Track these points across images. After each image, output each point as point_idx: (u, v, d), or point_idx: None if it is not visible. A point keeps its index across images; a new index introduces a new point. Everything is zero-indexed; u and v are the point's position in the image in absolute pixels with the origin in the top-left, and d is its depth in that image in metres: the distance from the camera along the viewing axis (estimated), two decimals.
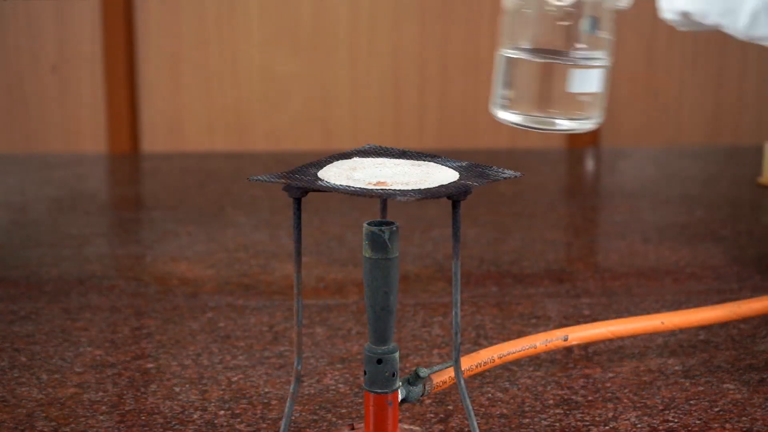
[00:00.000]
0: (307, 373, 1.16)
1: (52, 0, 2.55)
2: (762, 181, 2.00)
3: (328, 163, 0.98)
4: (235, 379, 1.15)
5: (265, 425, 1.04)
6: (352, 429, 0.98)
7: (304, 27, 2.61)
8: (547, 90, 0.90)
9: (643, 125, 2.68)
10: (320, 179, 0.94)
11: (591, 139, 2.68)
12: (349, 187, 0.91)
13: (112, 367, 1.18)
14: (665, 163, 2.27)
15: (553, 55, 0.90)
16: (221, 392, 1.11)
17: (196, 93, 2.62)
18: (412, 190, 0.90)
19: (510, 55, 0.92)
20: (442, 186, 0.92)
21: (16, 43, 2.57)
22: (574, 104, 0.90)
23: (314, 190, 0.92)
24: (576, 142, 2.66)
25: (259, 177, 0.94)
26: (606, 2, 0.90)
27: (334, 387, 1.13)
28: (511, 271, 1.52)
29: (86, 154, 2.52)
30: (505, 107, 0.92)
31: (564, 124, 0.91)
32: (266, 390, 1.12)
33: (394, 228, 0.91)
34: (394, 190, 0.90)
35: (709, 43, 2.64)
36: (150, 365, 1.19)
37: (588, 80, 0.90)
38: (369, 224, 0.90)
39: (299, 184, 0.92)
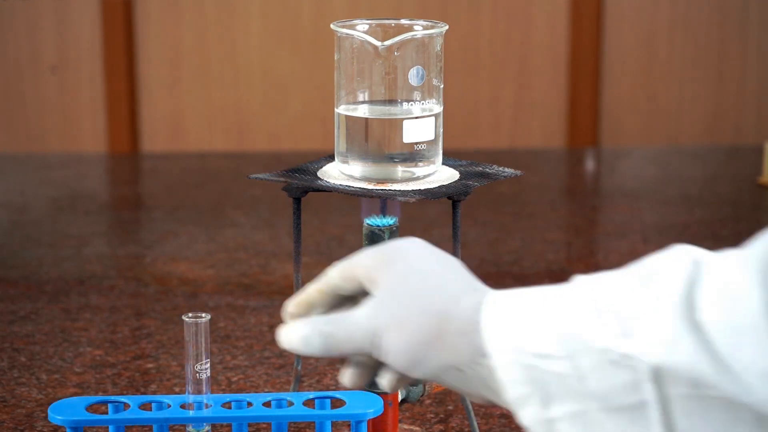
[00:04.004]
0: (307, 373, 1.16)
1: (52, 0, 2.55)
2: (762, 181, 2.00)
3: (328, 163, 0.98)
4: (235, 379, 1.15)
5: (265, 425, 1.03)
6: None
7: (304, 27, 2.61)
8: (385, 142, 0.91)
9: (643, 125, 2.68)
10: (320, 179, 0.94)
11: (591, 139, 2.68)
12: (349, 187, 0.91)
13: (112, 367, 1.18)
14: (665, 163, 2.27)
15: (387, 107, 0.91)
16: (221, 392, 1.11)
17: (196, 93, 2.62)
18: (412, 190, 0.90)
19: (343, 113, 0.93)
20: (442, 186, 0.92)
21: (16, 43, 2.57)
22: (412, 154, 0.92)
23: (314, 190, 0.92)
24: (576, 142, 2.66)
25: (259, 175, 0.94)
26: (430, 49, 0.91)
27: (334, 387, 1.13)
28: (511, 271, 1.52)
29: (86, 154, 2.52)
30: (345, 162, 0.93)
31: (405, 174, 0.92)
32: (266, 390, 1.12)
33: (394, 228, 0.91)
34: (394, 190, 0.90)
35: (709, 43, 2.64)
36: (150, 365, 1.19)
37: (424, 129, 0.92)
38: (369, 224, 0.90)
39: (299, 183, 0.92)
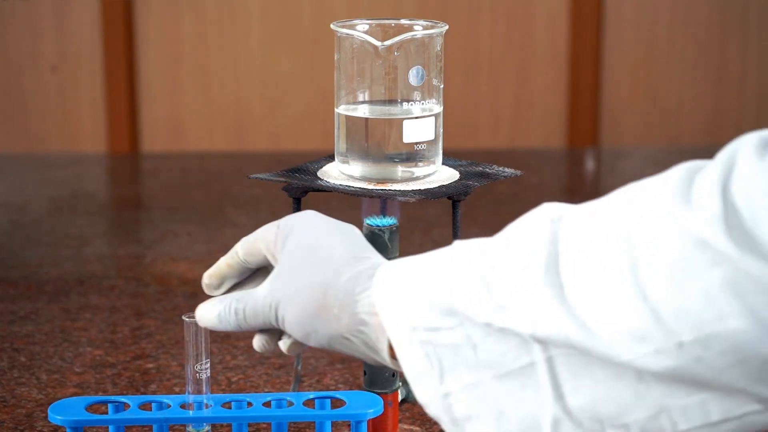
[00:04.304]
0: (307, 373, 1.16)
1: (52, 0, 2.55)
2: None
3: (328, 163, 0.98)
4: (235, 379, 1.15)
5: (265, 425, 1.03)
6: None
7: (304, 27, 2.61)
8: (385, 142, 0.91)
9: (643, 125, 2.68)
10: (320, 179, 0.94)
11: (591, 139, 2.68)
12: (349, 187, 0.91)
13: (112, 367, 1.18)
14: (665, 163, 2.27)
15: (387, 107, 0.92)
16: (221, 392, 1.11)
17: (196, 93, 2.62)
18: (412, 190, 0.90)
19: (343, 113, 0.93)
20: (442, 186, 0.92)
21: (16, 43, 2.57)
22: (412, 153, 0.92)
23: (314, 190, 0.92)
24: (576, 142, 2.66)
25: (259, 175, 0.94)
26: (429, 48, 0.91)
27: (334, 387, 1.13)
28: None
29: (86, 154, 2.52)
30: (345, 162, 0.93)
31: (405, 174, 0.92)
32: (266, 390, 1.12)
33: (394, 228, 0.91)
34: (394, 190, 0.90)
35: (709, 43, 2.64)
36: (150, 365, 1.19)
37: (423, 129, 0.92)
38: (369, 224, 0.90)
39: (299, 183, 0.92)
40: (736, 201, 0.57)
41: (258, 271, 0.80)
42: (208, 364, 0.88)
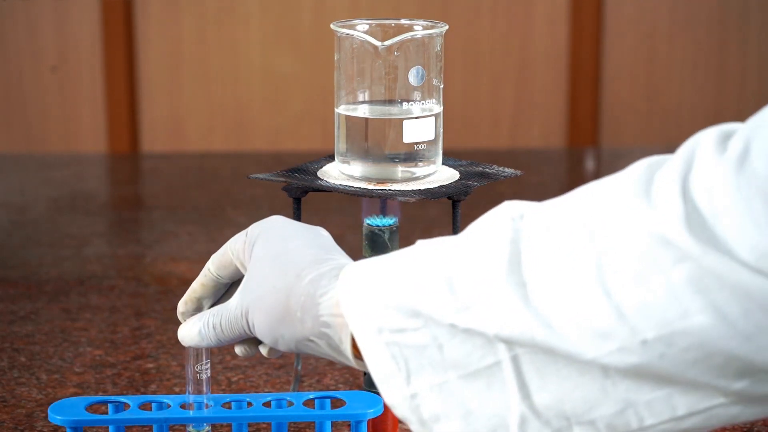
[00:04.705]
0: (307, 373, 1.16)
1: (52, 0, 2.55)
2: None
3: (328, 163, 0.98)
4: (235, 379, 1.15)
5: (265, 425, 1.03)
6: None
7: (304, 27, 2.61)
8: (385, 142, 0.91)
9: (643, 125, 2.68)
10: (320, 179, 0.94)
11: (591, 139, 2.68)
12: (349, 187, 0.91)
13: (112, 367, 1.18)
14: None
15: (387, 107, 0.91)
16: (221, 392, 1.11)
17: (196, 93, 2.62)
18: (412, 190, 0.90)
19: (343, 113, 0.93)
20: (442, 186, 0.92)
21: (16, 43, 2.57)
22: (412, 154, 0.91)
23: (314, 190, 0.92)
24: (576, 142, 2.66)
25: (259, 175, 0.94)
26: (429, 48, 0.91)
27: (334, 387, 1.13)
28: None
29: (86, 154, 2.52)
30: (345, 162, 0.93)
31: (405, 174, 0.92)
32: (266, 390, 1.12)
33: (394, 228, 0.91)
34: (394, 190, 0.90)
35: (709, 43, 2.64)
36: (150, 365, 1.19)
37: (424, 129, 0.91)
38: (369, 224, 0.90)
39: (299, 183, 0.92)
40: (696, 198, 0.57)
41: (233, 286, 0.80)
42: (209, 365, 0.88)
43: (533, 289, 0.61)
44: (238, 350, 0.79)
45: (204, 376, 0.88)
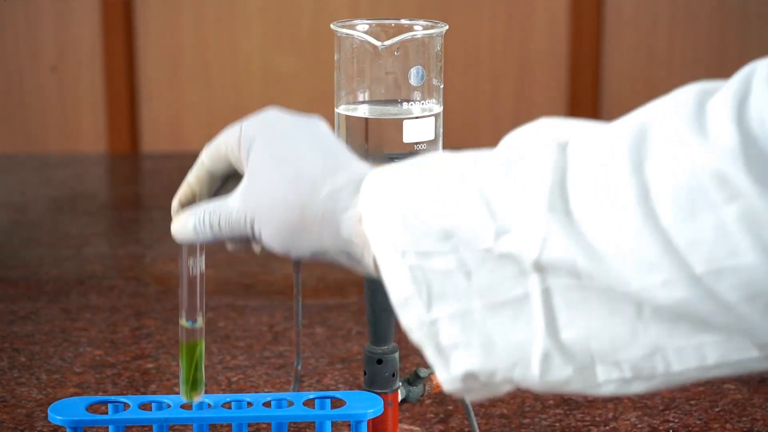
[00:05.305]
0: (307, 373, 1.16)
1: (52, 0, 2.55)
2: None
3: None
4: (235, 379, 1.15)
5: (265, 425, 1.03)
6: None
7: (304, 27, 2.61)
8: (385, 142, 0.91)
9: None
10: None
11: None
12: None
13: (112, 367, 1.18)
14: None
15: (387, 107, 0.91)
16: (221, 392, 1.11)
17: (196, 93, 2.62)
18: None
19: (343, 113, 0.93)
20: None
21: (16, 43, 2.57)
22: (412, 154, 0.91)
23: None
24: None
25: None
26: (430, 48, 0.91)
27: (334, 387, 1.13)
28: None
29: (86, 154, 2.52)
30: None
31: None
32: (266, 390, 1.12)
33: None
34: None
35: (709, 43, 2.64)
36: (150, 365, 1.19)
37: (424, 129, 0.91)
38: None
39: None
40: (752, 130, 0.55)
41: (229, 179, 0.76)
42: (203, 258, 0.82)
43: (579, 218, 0.59)
44: (231, 247, 0.76)
45: (198, 272, 0.82)
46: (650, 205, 0.57)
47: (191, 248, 0.81)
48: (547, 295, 0.61)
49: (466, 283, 0.63)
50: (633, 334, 0.60)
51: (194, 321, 0.82)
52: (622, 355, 0.61)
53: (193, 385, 0.81)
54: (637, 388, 0.62)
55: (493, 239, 0.61)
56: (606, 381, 0.62)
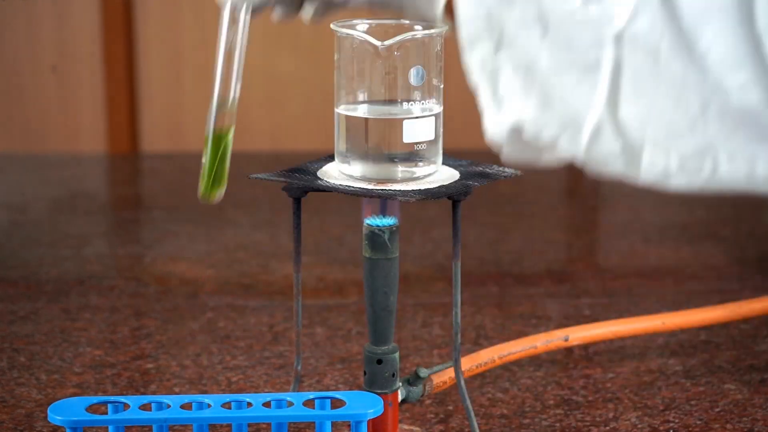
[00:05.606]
0: (307, 373, 1.16)
1: (52, 0, 2.55)
2: None
3: (328, 163, 0.98)
4: (235, 379, 1.15)
5: (265, 425, 1.03)
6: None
7: (304, 27, 2.60)
8: (385, 142, 0.91)
9: None
10: (320, 179, 0.94)
11: None
12: (349, 187, 0.91)
13: (111, 367, 1.18)
14: None
15: (387, 107, 0.91)
16: (221, 392, 1.11)
17: (196, 93, 2.62)
18: (412, 190, 0.90)
19: (343, 113, 0.93)
20: (442, 186, 0.92)
21: (16, 43, 2.57)
22: (412, 153, 0.91)
23: (314, 190, 0.92)
24: None
25: (259, 175, 0.94)
26: (432, 48, 0.90)
27: (334, 387, 1.13)
28: (511, 271, 1.52)
29: (86, 154, 2.52)
30: (345, 162, 0.93)
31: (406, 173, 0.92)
32: (266, 390, 1.12)
33: (394, 228, 0.91)
34: (394, 190, 0.90)
35: None
36: (150, 365, 1.19)
37: (424, 129, 0.91)
38: (369, 224, 0.90)
39: (299, 183, 0.92)
40: None
41: None
42: (247, 30, 0.78)
43: (676, 2, 0.58)
44: (277, 13, 0.73)
45: (238, 44, 0.77)
46: (750, 5, 0.56)
47: (233, 14, 0.77)
48: (618, 68, 0.60)
49: (540, 38, 0.61)
50: (691, 128, 0.59)
51: (225, 102, 0.78)
52: (674, 144, 0.60)
53: (215, 181, 0.76)
54: (678, 182, 0.60)
55: (581, 2, 0.60)
56: (649, 166, 0.60)
